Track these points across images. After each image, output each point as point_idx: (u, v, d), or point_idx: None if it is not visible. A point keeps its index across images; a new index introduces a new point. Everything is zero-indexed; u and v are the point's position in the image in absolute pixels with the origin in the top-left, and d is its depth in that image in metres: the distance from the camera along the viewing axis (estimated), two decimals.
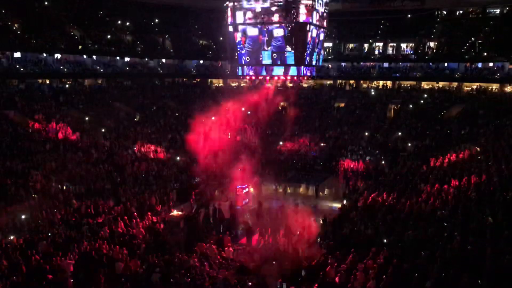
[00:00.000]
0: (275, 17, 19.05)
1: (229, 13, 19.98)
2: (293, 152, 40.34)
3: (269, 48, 19.72)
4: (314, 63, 21.74)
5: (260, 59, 20.09)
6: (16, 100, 36.33)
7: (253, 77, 22.00)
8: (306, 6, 19.05)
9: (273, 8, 18.94)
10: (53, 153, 30.13)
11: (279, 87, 51.68)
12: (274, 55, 19.84)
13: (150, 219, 23.51)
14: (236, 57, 20.70)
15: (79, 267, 17.34)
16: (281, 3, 18.83)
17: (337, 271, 16.03)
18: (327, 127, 45.48)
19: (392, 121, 45.19)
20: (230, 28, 20.21)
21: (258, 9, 19.18)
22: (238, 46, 20.24)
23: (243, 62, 20.56)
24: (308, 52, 20.51)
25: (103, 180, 28.39)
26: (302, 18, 19.05)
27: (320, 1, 20.43)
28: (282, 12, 18.93)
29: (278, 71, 20.63)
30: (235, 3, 19.67)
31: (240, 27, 19.87)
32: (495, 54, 46.94)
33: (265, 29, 19.41)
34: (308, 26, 19.56)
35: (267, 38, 19.57)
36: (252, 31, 19.73)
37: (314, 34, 20.70)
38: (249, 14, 19.36)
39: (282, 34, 19.32)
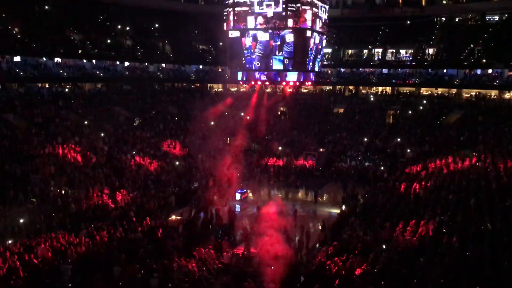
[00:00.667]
0: (289, 22, 19.03)
1: (231, 18, 19.97)
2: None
3: (281, 54, 19.65)
4: (316, 69, 21.83)
5: (271, 64, 20.01)
6: (15, 104, 36.32)
7: (252, 82, 22.05)
8: (312, 13, 19.13)
9: (287, 13, 18.91)
10: (52, 157, 30.08)
11: (279, 92, 51.97)
12: (286, 61, 19.79)
13: (149, 223, 23.46)
14: (243, 61, 20.60)
15: (77, 271, 17.28)
16: (294, 9, 18.83)
17: (336, 277, 16.01)
18: (326, 132, 45.53)
19: (391, 127, 45.24)
20: (235, 33, 20.15)
21: (270, 14, 19.15)
22: (248, 51, 20.15)
23: (254, 67, 20.45)
24: (311, 58, 20.59)
25: (101, 184, 28.35)
26: (308, 24, 19.12)
27: (323, 9, 20.54)
28: (285, 18, 18.93)
29: (292, 76, 20.63)
30: (237, 8, 19.65)
31: (251, 32, 19.81)
32: (494, 60, 47.01)
33: (277, 34, 19.35)
34: (311, 32, 19.64)
35: (279, 43, 19.51)
36: (263, 36, 19.67)
37: (317, 41, 20.81)
38: (260, 19, 19.33)
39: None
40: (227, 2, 20.19)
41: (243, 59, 20.42)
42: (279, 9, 18.94)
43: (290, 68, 19.97)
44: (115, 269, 17.44)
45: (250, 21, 19.56)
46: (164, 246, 20.96)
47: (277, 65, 19.97)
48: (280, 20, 19.03)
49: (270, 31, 19.42)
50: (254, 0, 19.25)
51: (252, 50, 20.06)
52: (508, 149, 32.21)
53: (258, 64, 20.28)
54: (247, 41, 20.01)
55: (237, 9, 19.77)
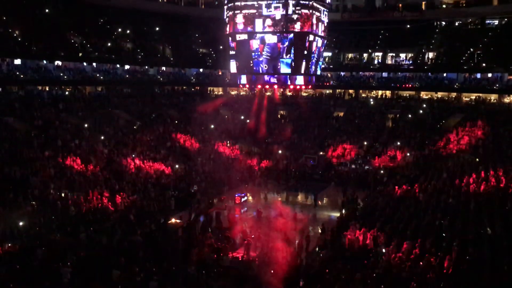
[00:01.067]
0: (297, 25, 18.91)
1: (238, 20, 19.82)
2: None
3: (288, 56, 19.50)
4: (318, 72, 21.83)
5: (279, 67, 19.82)
6: (15, 107, 36.32)
7: (249, 85, 22.02)
8: (315, 17, 19.13)
9: (295, 16, 18.80)
10: (52, 160, 30.08)
11: (279, 96, 52.09)
12: (294, 64, 19.66)
13: (149, 226, 23.44)
14: (251, 64, 20.38)
15: (76, 274, 17.27)
16: (300, 12, 18.72)
17: (335, 280, 16.00)
18: (326, 136, 45.55)
19: (391, 131, 45.25)
20: (242, 36, 20.02)
21: (278, 16, 19.01)
22: (256, 53, 19.96)
23: (261, 71, 20.25)
24: (314, 61, 20.58)
25: (101, 187, 28.35)
26: (312, 28, 19.11)
27: (325, 13, 20.56)
28: (292, 22, 18.84)
29: (300, 80, 20.56)
30: (243, 11, 19.53)
31: (259, 35, 19.63)
32: (494, 64, 47.09)
33: (285, 37, 19.17)
34: (314, 36, 19.63)
35: (287, 45, 19.34)
36: (271, 39, 19.48)
37: (319, 44, 20.80)
38: (269, 22, 19.19)
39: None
40: (230, 5, 20.09)
41: (251, 62, 20.20)
42: (288, 11, 18.81)
43: (301, 72, 19.86)
44: (115, 272, 17.45)
45: (258, 24, 19.36)
46: (164, 249, 20.96)
47: (284, 69, 19.80)
48: (289, 22, 18.90)
49: (278, 33, 19.25)
50: (262, 3, 19.11)
51: (259, 53, 19.86)
52: (508, 154, 32.24)
53: (265, 67, 20.08)
54: (255, 44, 19.82)
55: (244, 11, 19.61)
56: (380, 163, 37.62)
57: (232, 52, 20.86)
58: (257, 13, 19.28)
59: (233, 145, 43.30)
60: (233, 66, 21.47)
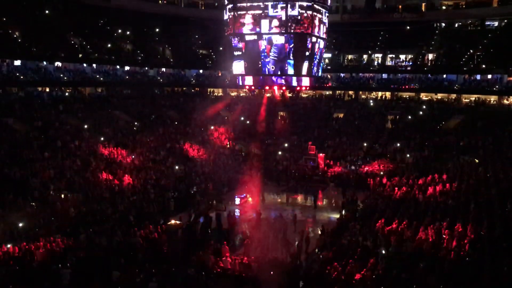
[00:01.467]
0: (302, 27, 18.82)
1: (247, 21, 19.71)
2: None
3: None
4: (319, 74, 21.79)
5: (286, 68, 19.70)
6: (15, 108, 36.34)
7: (253, 87, 21.97)
8: (318, 18, 19.10)
9: (300, 18, 18.70)
10: (52, 161, 30.09)
11: (279, 96, 52.07)
12: (296, 65, 19.56)
13: (148, 228, 23.41)
14: (260, 65, 20.25)
15: (76, 275, 17.26)
16: (305, 14, 18.63)
17: (335, 282, 15.99)
18: (325, 137, 45.53)
19: (391, 132, 45.25)
20: (252, 37, 19.89)
21: (284, 17, 18.87)
22: (262, 54, 19.83)
23: (267, 72, 20.13)
24: (316, 62, 20.54)
25: (101, 189, 28.33)
26: (314, 30, 19.08)
27: (326, 14, 20.55)
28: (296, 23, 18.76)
29: (306, 81, 20.52)
30: (250, 11, 19.42)
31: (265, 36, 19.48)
32: (494, 66, 47.17)
33: (292, 37, 19.03)
34: (316, 38, 19.59)
35: (293, 46, 19.20)
36: (279, 39, 19.35)
37: (321, 46, 20.77)
38: (275, 23, 19.07)
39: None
40: (231, 6, 20.01)
41: (259, 62, 20.06)
42: (294, 12, 18.68)
43: (305, 73, 19.79)
44: (114, 274, 17.43)
45: (264, 25, 19.22)
46: (163, 250, 20.94)
47: (291, 70, 19.69)
48: (295, 24, 18.79)
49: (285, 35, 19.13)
50: (268, 3, 18.99)
51: (266, 54, 19.74)
52: (508, 155, 32.26)
53: (272, 68, 19.95)
54: (262, 44, 19.70)
55: (249, 12, 19.50)
56: (380, 164, 37.62)
57: (238, 53, 20.64)
58: (263, 14, 19.15)
59: (233, 146, 43.37)
60: (237, 67, 21.21)
